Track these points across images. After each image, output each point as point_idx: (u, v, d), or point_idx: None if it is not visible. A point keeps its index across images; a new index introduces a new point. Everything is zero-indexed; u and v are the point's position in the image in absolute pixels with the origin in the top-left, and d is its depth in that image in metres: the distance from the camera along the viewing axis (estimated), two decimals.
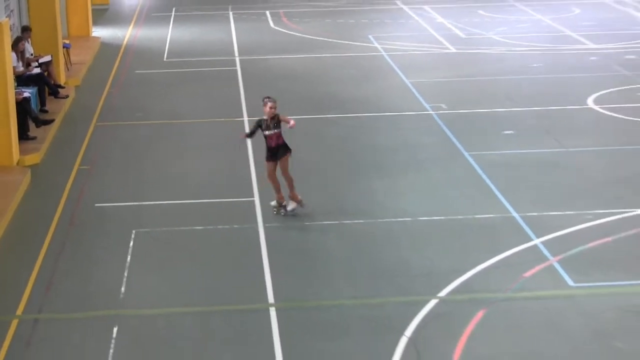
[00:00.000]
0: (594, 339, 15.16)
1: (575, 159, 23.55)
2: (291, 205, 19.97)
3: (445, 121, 26.64)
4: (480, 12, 43.19)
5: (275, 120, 19.66)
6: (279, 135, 19.74)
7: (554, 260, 17.87)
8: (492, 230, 19.23)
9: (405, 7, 44.56)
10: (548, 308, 16.13)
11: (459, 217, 19.93)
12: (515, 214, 20.01)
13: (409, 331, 15.40)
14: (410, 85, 30.63)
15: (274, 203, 20.14)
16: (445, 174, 22.59)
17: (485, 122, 26.65)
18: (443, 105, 28.18)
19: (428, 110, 27.76)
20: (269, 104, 19.65)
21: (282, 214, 20.00)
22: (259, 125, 19.75)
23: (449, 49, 36.11)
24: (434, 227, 19.46)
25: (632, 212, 19.98)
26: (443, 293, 16.71)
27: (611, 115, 27.12)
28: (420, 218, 19.87)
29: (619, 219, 19.60)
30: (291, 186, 19.88)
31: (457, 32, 39.04)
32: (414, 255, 18.21)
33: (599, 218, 19.72)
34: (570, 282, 16.98)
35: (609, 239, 18.79)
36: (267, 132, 19.70)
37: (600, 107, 27.86)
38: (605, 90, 29.60)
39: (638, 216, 19.79)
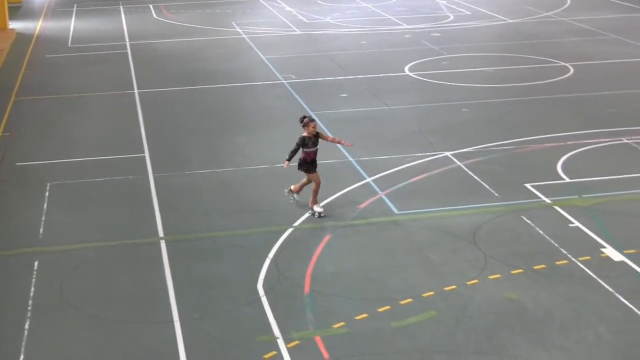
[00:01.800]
0: (413, 252, 15.34)
1: (397, 114, 23.70)
2: (318, 209, 17.09)
3: (294, 88, 26.54)
4: (319, 1, 43.06)
5: (316, 138, 17.01)
6: (317, 151, 17.14)
7: (382, 194, 17.98)
8: (334, 172, 19.23)
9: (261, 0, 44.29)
10: (378, 231, 16.24)
11: None
12: (351, 159, 20.06)
13: (271, 254, 15.36)
14: (266, 60, 30.41)
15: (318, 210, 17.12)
16: (297, 129, 22.43)
17: (325, 88, 26.62)
18: (292, 76, 28.06)
19: (281, 80, 27.60)
20: (312, 124, 16.91)
21: (316, 215, 17.08)
22: (303, 143, 16.97)
23: (295, 31, 35.92)
24: (290, 172, 19.35)
25: (440, 155, 20.20)
26: (297, 223, 16.69)
27: (423, 80, 27.35)
28: (279, 165, 19.76)
29: (430, 160, 19.81)
30: (315, 193, 17.15)
31: (302, 17, 38.85)
32: (275, 194, 18.12)
33: (416, 160, 19.90)
34: (395, 210, 17.11)
35: (424, 175, 18.98)
36: (308, 149, 16.99)
37: (414, 74, 28.06)
38: (417, 61, 29.82)
39: (444, 157, 20.02)
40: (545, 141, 21.01)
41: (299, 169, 17.24)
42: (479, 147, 20.65)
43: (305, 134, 16.98)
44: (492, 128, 22.24)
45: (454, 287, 14.06)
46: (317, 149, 17.09)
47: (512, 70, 28.42)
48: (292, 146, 17.08)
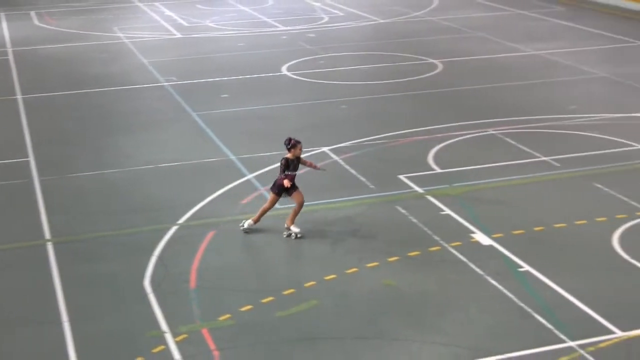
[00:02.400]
0: (294, 245, 15.42)
1: (276, 112, 23.75)
2: (296, 229, 15.79)
3: (176, 90, 26.33)
4: (198, 6, 42.76)
5: (298, 161, 15.64)
6: (295, 176, 15.70)
7: (263, 190, 17.99)
8: (216, 170, 19.18)
9: (140, 5, 43.61)
10: (261, 225, 16.23)
11: (192, 162, 19.79)
12: (233, 157, 20.03)
13: (157, 252, 15.23)
14: (147, 64, 30.07)
15: (248, 223, 15.97)
16: (179, 130, 22.37)
17: (206, 89, 26.49)
18: (174, 78, 27.82)
19: (162, 83, 27.35)
20: (299, 146, 15.54)
21: (293, 237, 15.74)
22: (287, 166, 15.50)
23: (176, 34, 35.62)
24: (173, 171, 19.26)
25: (316, 150, 20.33)
26: (182, 220, 16.58)
27: (299, 79, 27.46)
28: (161, 165, 19.61)
29: (309, 156, 19.87)
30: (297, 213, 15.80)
31: (182, 21, 38.53)
32: (159, 193, 17.98)
33: None
34: (277, 205, 17.13)
35: (303, 170, 18.90)
36: (290, 172, 15.54)
37: (291, 73, 28.15)
38: (294, 61, 29.91)
39: (322, 152, 20.15)
40: (417, 134, 21.36)
41: (276, 192, 15.64)
42: (355, 141, 20.87)
43: (289, 155, 15.50)
44: (368, 123, 22.50)
45: (334, 276, 14.18)
46: (296, 173, 15.68)
47: (385, 67, 28.78)
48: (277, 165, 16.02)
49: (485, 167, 19.01)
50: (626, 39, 32.95)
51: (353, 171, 18.87)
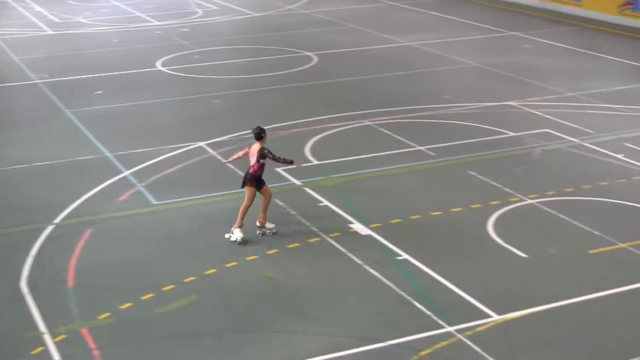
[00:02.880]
0: (172, 241, 15.31)
1: (151, 108, 23.50)
2: (270, 225, 15.43)
3: (49, 87, 25.78)
4: (70, 1, 41.93)
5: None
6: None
7: (140, 186, 17.80)
8: (92, 168, 18.88)
9: (9, 0, 42.53)
10: (138, 222, 16.09)
11: (66, 160, 19.42)
12: (108, 154, 19.74)
13: (33, 252, 14.90)
14: (18, 61, 29.34)
15: (237, 234, 15.15)
16: (52, 128, 21.91)
17: (80, 86, 26.01)
18: (46, 75, 27.23)
19: (34, 80, 26.73)
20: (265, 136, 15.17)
21: (269, 233, 15.42)
22: (263, 155, 15.03)
23: (47, 31, 34.85)
24: (47, 170, 18.86)
25: (192, 145, 20.22)
26: (58, 219, 16.26)
27: (174, 74, 27.23)
28: (35, 164, 19.18)
29: (184, 151, 19.80)
30: (264, 212, 15.32)
31: (53, 17, 37.72)
32: (33, 193, 17.59)
33: (172, 151, 19.82)
34: (153, 201, 17.00)
35: (180, 166, 18.94)
36: (264, 161, 15.08)
37: (166, 69, 27.89)
38: (169, 56, 29.64)
39: (199, 147, 20.06)
40: (294, 127, 21.45)
41: (247, 185, 15.06)
42: (231, 136, 20.81)
43: (261, 144, 15.05)
44: (244, 117, 22.45)
45: (214, 270, 14.14)
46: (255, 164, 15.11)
47: (261, 61, 28.78)
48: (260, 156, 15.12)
49: (362, 157, 19.22)
50: (497, 29, 33.77)
51: (230, 165, 18.82)
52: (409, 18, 36.51)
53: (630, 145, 19.58)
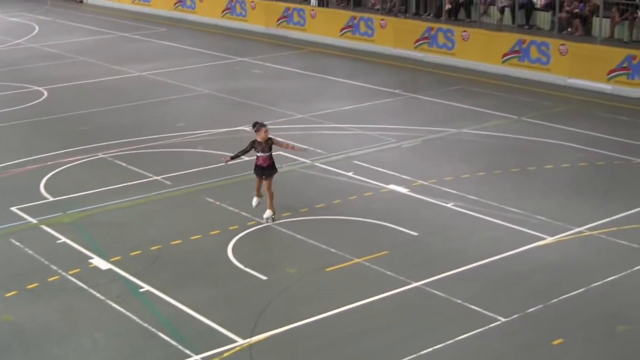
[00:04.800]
0: None
1: None
2: (267, 214, 16.91)
3: None
4: None
5: (270, 144, 16.64)
6: (270, 157, 16.74)
7: None
8: None
9: None
10: None
11: None
12: None
13: None
14: None
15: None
16: None
17: None
18: None
19: None
20: (264, 129, 16.53)
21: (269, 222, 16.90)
22: (252, 147, 16.68)
23: None
24: None
25: None
26: None
27: None
28: None
29: None
30: (271, 200, 16.80)
31: None
32: None
33: None
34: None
35: None
36: (260, 154, 16.65)
37: None
38: None
39: None
40: (27, 164, 20.70)
41: (257, 174, 16.94)
42: None
43: (257, 138, 16.62)
44: None
45: None
46: (270, 154, 16.68)
47: None
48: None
49: (98, 191, 18.82)
50: (226, 55, 34.17)
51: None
52: (139, 48, 36.25)
53: (359, 163, 20.33)
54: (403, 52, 33.60)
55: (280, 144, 17.11)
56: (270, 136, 16.79)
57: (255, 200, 17.23)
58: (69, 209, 17.79)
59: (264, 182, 16.88)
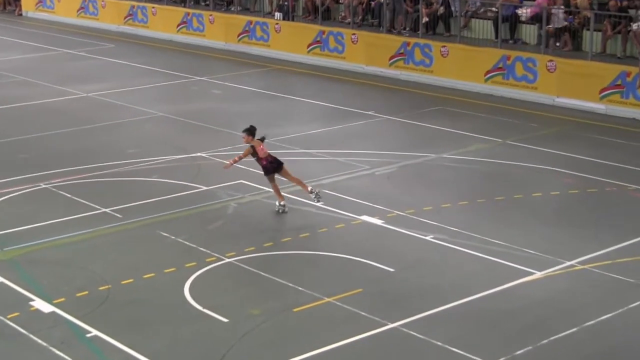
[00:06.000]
0: None
1: None
2: (314, 189, 19.47)
3: None
4: None
5: (253, 149, 19.14)
6: (269, 155, 19.21)
7: None
8: None
9: None
10: None
11: None
12: None
13: None
14: None
15: (278, 204, 19.40)
16: None
17: None
18: None
19: None
20: (243, 136, 19.38)
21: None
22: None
23: None
24: None
25: None
26: None
27: None
28: None
29: None
30: (302, 184, 19.44)
31: None
32: None
33: None
34: None
35: None
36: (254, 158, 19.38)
37: None
38: None
39: None
40: None
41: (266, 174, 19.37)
42: None
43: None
44: None
45: None
46: (266, 156, 19.13)
47: None
48: None
49: (40, 225, 18.73)
50: (182, 74, 34.25)
51: None
52: (86, 66, 36.25)
53: (329, 192, 20.39)
54: (377, 70, 33.86)
55: (241, 156, 19.29)
56: (252, 144, 19.12)
57: (280, 204, 19.30)
58: (6, 246, 17.69)
59: (284, 176, 19.27)
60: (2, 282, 16.09)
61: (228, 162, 19.61)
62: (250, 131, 19.24)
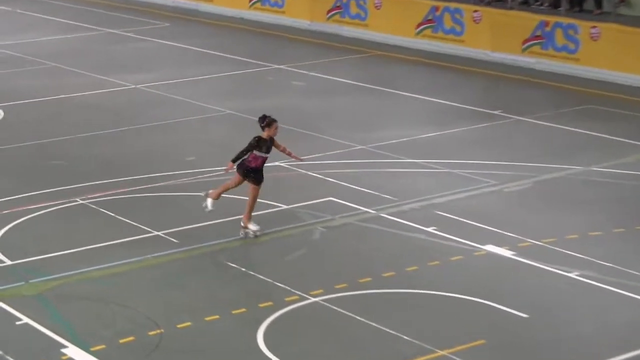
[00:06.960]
0: None
1: None
2: (255, 227, 19.25)
3: None
4: None
5: (271, 143, 18.99)
6: (266, 160, 19.09)
7: None
8: None
9: None
10: None
11: None
12: None
13: None
14: None
15: (210, 203, 19.41)
16: None
17: None
18: None
19: None
20: (275, 125, 19.05)
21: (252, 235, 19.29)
22: (257, 145, 18.86)
23: None
24: None
25: None
26: None
27: None
28: None
29: None
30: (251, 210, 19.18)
31: None
32: None
33: None
34: None
35: None
36: (263, 154, 18.95)
37: None
38: None
39: None
40: None
41: (241, 173, 18.88)
42: None
43: (263, 134, 18.87)
44: None
45: None
46: (267, 157, 19.01)
47: None
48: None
49: (76, 251, 18.97)
50: (255, 61, 34.42)
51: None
52: (134, 51, 36.66)
53: (443, 214, 20.31)
54: (505, 57, 33.66)
55: (278, 146, 19.19)
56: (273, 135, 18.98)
57: (210, 203, 19.24)
58: (32, 277, 17.95)
59: (252, 189, 18.91)
60: (27, 323, 16.30)
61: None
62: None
